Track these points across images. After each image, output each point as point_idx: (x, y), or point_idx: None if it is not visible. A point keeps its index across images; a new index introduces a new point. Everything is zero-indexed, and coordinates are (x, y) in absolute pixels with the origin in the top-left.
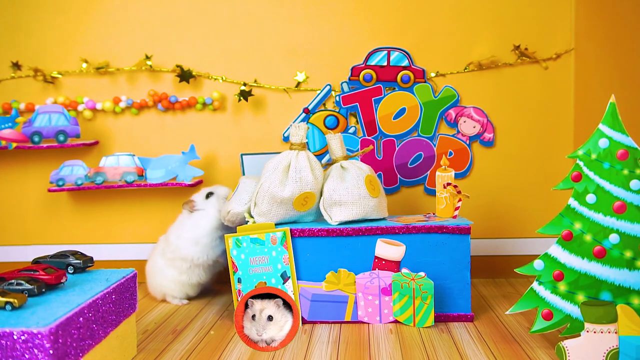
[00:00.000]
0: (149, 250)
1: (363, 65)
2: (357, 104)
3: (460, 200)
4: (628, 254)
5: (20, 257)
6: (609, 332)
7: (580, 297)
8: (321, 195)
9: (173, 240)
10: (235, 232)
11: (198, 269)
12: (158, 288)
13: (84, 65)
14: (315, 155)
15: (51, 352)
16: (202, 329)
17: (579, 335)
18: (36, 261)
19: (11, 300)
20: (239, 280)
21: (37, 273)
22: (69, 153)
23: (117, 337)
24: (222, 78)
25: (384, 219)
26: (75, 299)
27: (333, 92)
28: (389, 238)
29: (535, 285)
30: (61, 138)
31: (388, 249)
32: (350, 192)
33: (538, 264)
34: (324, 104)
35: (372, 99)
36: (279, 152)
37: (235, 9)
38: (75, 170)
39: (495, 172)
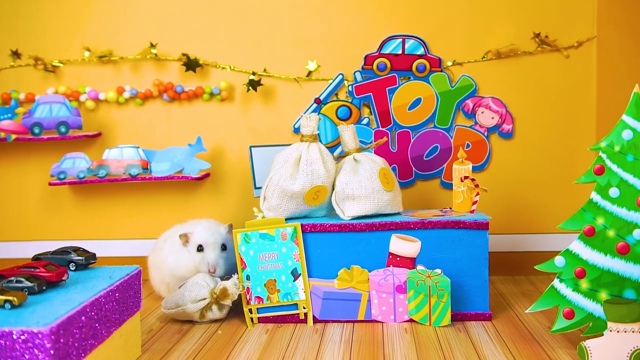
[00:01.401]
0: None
1: (377, 53)
2: (371, 94)
3: (478, 194)
4: None
5: (20, 254)
6: (633, 332)
7: (603, 295)
8: (333, 189)
9: (163, 256)
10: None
11: None
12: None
13: (87, 53)
14: (327, 147)
15: (52, 352)
16: (209, 328)
17: (602, 334)
18: (36, 258)
19: (10, 298)
20: (248, 278)
21: (38, 270)
22: (70, 145)
23: (121, 337)
24: (230, 67)
25: (398, 213)
26: (77, 297)
27: (345, 82)
28: (404, 233)
29: (556, 282)
30: (62, 129)
31: (403, 245)
32: (363, 185)
33: (559, 260)
34: (336, 94)
35: (386, 88)
36: (289, 144)
37: None
38: (77, 163)
39: (515, 165)
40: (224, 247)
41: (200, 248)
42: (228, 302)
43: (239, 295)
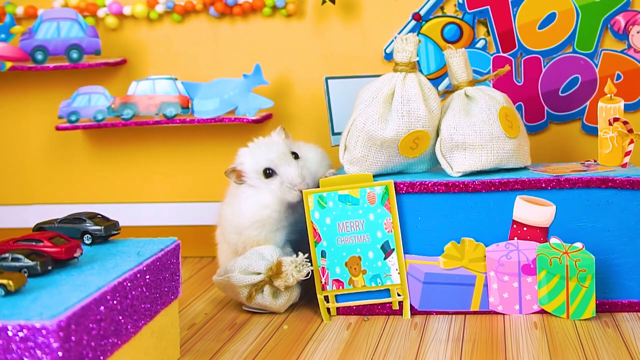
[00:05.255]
0: (198, 211)
1: None
2: (488, 7)
3: (632, 141)
4: None
5: (17, 222)
6: None
7: None
8: (438, 135)
9: (219, 212)
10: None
11: None
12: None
13: None
14: (429, 79)
15: (60, 354)
16: (271, 322)
17: None
18: (39, 227)
19: (4, 281)
20: (323, 254)
21: (41, 244)
22: (85, 76)
23: (153, 334)
24: None
25: (525, 168)
26: (94, 281)
27: None
28: (533, 195)
29: None
30: (74, 55)
31: (531, 210)
32: (478, 130)
33: None
34: (442, 8)
35: (509, 0)
36: (378, 75)
37: None
38: (93, 100)
39: None
40: (295, 156)
41: (269, 172)
42: (280, 284)
43: (313, 281)
